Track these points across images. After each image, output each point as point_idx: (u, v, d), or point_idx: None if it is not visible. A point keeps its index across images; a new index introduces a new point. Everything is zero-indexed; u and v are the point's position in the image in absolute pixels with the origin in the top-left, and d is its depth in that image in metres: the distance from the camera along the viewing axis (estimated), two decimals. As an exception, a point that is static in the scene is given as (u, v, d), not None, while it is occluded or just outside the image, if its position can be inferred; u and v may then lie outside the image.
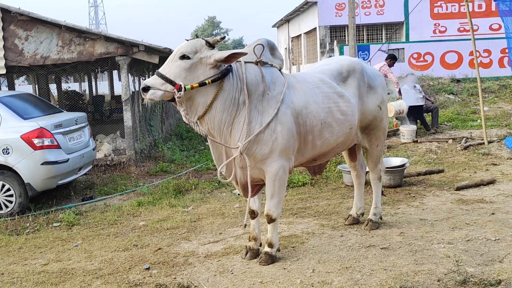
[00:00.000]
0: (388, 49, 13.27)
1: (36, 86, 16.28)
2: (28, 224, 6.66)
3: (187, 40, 4.23)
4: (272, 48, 4.63)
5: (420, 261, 4.36)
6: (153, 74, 11.78)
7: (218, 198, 7.42)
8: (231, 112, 4.25)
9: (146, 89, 4.07)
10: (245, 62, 4.36)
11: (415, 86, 11.67)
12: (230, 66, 4.24)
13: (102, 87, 23.35)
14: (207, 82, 4.10)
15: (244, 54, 4.18)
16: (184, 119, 4.20)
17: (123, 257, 5.06)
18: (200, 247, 5.20)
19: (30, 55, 9.62)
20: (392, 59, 11.32)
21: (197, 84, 4.08)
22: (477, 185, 6.87)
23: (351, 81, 4.94)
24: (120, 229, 6.19)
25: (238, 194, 7.26)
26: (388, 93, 11.26)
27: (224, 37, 4.61)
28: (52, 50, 9.63)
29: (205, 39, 4.19)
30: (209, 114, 4.21)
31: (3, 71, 9.68)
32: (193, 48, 4.12)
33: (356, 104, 4.90)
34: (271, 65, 4.52)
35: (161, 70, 4.13)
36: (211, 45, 4.18)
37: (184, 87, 4.03)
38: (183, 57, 4.08)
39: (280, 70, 4.60)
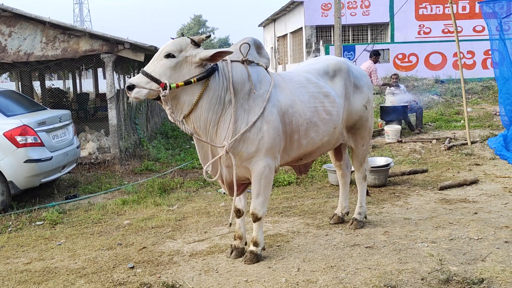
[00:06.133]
0: (373, 49, 13.36)
1: (19, 83, 16.07)
2: (10, 223, 6.58)
3: (173, 39, 4.21)
4: (258, 47, 4.63)
5: (404, 260, 4.40)
6: (138, 72, 11.67)
7: (203, 197, 7.40)
8: (217, 111, 4.24)
9: (131, 87, 4.03)
10: (231, 61, 4.34)
11: (399, 87, 11.77)
12: (216, 65, 4.22)
13: (87, 85, 23.14)
14: (192, 80, 4.08)
15: (230, 52, 4.17)
16: (169, 117, 4.18)
17: (107, 256, 5.02)
18: (185, 246, 5.18)
19: (13, 52, 9.49)
20: (376, 55, 11.41)
21: (183, 83, 4.06)
22: (460, 185, 6.95)
23: (337, 80, 4.96)
24: (104, 227, 6.14)
25: (224, 193, 7.25)
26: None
27: (210, 35, 4.60)
28: (36, 46, 9.52)
29: (191, 37, 4.17)
30: (195, 113, 4.19)
31: (-14, 68, 9.54)
32: (178, 47, 4.10)
33: (342, 104, 4.92)
34: (258, 64, 4.51)
35: (146, 68, 4.10)
36: (196, 44, 4.15)
37: (169, 86, 4.00)
38: (168, 55, 4.06)
39: (266, 69, 4.60)
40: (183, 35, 4.28)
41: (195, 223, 6.00)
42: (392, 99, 11.45)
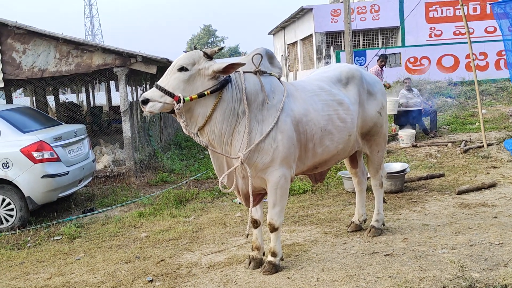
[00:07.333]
0: (380, 53, 13.35)
1: (34, 98, 16.27)
2: (29, 238, 6.64)
3: (185, 52, 4.24)
4: (270, 57, 4.64)
5: (425, 267, 4.34)
6: (151, 84, 11.65)
7: (219, 207, 7.40)
8: (231, 122, 4.25)
9: (145, 101, 4.07)
10: (244, 72, 4.36)
11: (412, 90, 11.70)
12: (229, 76, 4.24)
13: (100, 98, 23.35)
14: (206, 93, 4.10)
15: (242, 64, 4.18)
16: (184, 130, 4.20)
17: (126, 270, 5.03)
18: (203, 258, 5.17)
19: (28, 68, 9.62)
20: (381, 58, 11.45)
21: (196, 96, 4.07)
22: (478, 189, 6.87)
23: (350, 87, 4.94)
24: (122, 241, 6.16)
25: (239, 203, 7.24)
26: None
27: (222, 48, 4.63)
28: (49, 62, 9.64)
29: (203, 50, 4.20)
30: (209, 125, 4.21)
31: (1, 85, 9.67)
32: (191, 60, 4.12)
33: (356, 111, 4.90)
34: (270, 74, 4.52)
35: (159, 82, 4.13)
36: (209, 56, 4.18)
37: (183, 99, 4.02)
38: (182, 69, 4.09)
39: (279, 78, 4.61)
40: (195, 48, 4.30)
41: (212, 234, 5.99)
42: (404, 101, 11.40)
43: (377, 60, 11.55)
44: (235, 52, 64.81)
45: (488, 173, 7.82)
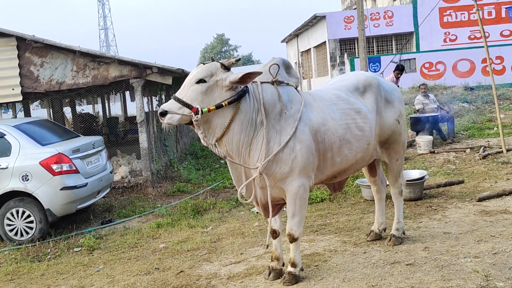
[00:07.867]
0: (400, 60, 13.25)
1: (51, 110, 16.46)
2: (49, 250, 6.69)
3: (203, 64, 4.26)
4: (287, 67, 4.64)
5: (448, 276, 4.28)
6: (166, 94, 11.68)
7: (236, 217, 7.39)
8: (249, 133, 4.25)
9: (164, 113, 4.08)
10: (261, 83, 4.37)
11: (429, 96, 11.61)
12: (246, 87, 4.25)
13: (115, 108, 23.56)
14: (223, 104, 4.11)
15: (259, 73, 4.18)
16: (202, 141, 4.21)
17: (146, 281, 5.03)
18: (222, 269, 5.16)
19: (45, 81, 9.74)
20: (398, 70, 11.35)
21: (214, 107, 4.09)
22: (499, 195, 6.76)
23: (368, 96, 4.92)
24: (141, 252, 6.17)
25: (257, 212, 7.22)
26: None
27: (239, 59, 4.63)
28: (67, 75, 9.76)
29: (220, 62, 4.21)
30: (227, 136, 4.21)
31: (20, 98, 9.81)
32: (208, 72, 4.14)
33: (374, 119, 4.87)
34: (287, 84, 4.52)
35: (177, 94, 4.15)
36: (226, 68, 4.19)
37: (201, 110, 4.04)
38: (200, 81, 4.10)
39: (296, 88, 4.60)
40: (212, 60, 4.32)
41: (231, 245, 5.98)
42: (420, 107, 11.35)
43: (394, 71, 11.45)
44: (248, 60, 65.04)
45: (508, 179, 7.70)
